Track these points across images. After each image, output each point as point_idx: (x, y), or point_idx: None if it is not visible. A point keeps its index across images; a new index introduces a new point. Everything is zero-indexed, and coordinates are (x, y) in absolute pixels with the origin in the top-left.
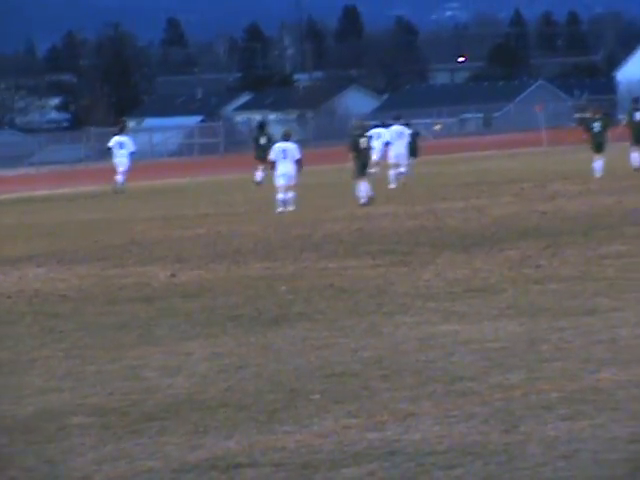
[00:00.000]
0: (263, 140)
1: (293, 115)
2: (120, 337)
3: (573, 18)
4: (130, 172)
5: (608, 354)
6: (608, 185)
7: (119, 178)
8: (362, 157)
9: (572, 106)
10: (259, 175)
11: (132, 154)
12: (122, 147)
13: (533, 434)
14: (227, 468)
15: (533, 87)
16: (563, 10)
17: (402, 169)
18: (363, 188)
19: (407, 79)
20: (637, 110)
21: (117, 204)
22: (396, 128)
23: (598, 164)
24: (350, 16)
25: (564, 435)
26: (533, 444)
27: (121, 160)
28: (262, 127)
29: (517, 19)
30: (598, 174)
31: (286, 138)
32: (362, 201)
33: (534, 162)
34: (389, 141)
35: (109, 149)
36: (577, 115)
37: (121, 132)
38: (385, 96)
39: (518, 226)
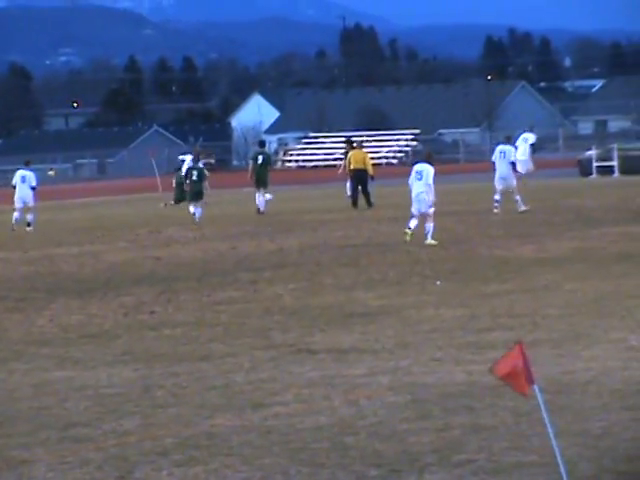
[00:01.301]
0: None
1: None
2: None
3: (188, 64)
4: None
5: (222, 400)
6: (223, 231)
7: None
8: None
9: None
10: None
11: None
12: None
13: None
14: None
15: (148, 133)
16: (178, 56)
17: (30, 215)
18: None
19: (22, 124)
20: (260, 154)
21: None
22: (22, 172)
23: (198, 211)
24: None
25: None
26: None
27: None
28: (27, 163)
29: (132, 65)
30: (197, 221)
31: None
32: None
33: (150, 208)
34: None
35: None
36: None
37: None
38: None
39: (133, 272)
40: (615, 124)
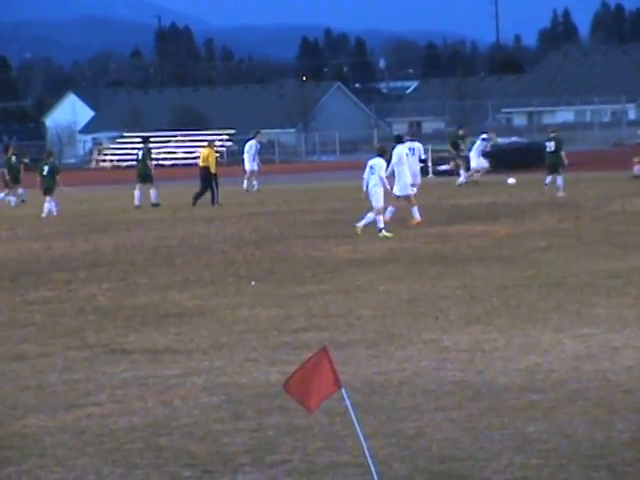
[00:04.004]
0: None
1: None
2: None
3: (3, 64)
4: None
5: (35, 400)
6: (36, 230)
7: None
8: None
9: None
10: None
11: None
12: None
13: None
14: None
15: None
16: None
17: None
18: None
19: None
20: (140, 150)
21: None
22: None
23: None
24: None
25: None
26: None
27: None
28: None
29: None
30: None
31: None
32: None
33: None
34: None
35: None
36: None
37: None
38: None
39: None
40: (429, 125)
